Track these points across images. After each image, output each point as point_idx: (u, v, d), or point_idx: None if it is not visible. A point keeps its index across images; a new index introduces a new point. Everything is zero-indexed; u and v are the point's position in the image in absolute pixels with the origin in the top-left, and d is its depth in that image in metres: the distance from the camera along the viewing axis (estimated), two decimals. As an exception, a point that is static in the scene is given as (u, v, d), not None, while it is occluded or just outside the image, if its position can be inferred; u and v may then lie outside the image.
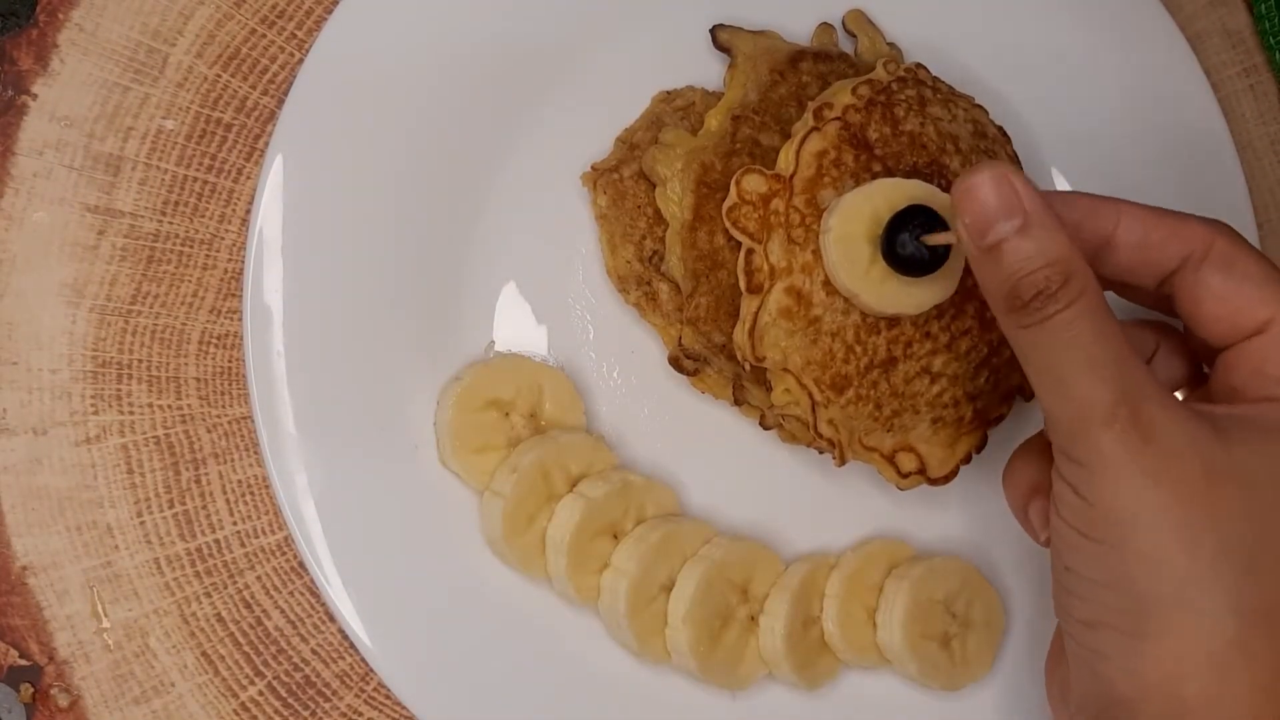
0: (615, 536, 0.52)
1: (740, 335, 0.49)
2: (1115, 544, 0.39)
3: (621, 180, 0.52)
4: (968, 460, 0.52)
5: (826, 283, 0.47)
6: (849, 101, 0.48)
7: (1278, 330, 0.42)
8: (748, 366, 0.49)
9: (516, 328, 0.53)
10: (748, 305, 0.48)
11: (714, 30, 0.54)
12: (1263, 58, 0.60)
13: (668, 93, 0.54)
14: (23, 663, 0.52)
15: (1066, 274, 0.39)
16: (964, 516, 0.56)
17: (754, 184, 0.48)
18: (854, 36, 0.55)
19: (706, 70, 0.54)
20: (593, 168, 0.53)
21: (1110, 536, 0.39)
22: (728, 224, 0.48)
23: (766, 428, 0.53)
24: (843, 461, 0.50)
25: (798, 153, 0.48)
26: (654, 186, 0.52)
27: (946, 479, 0.52)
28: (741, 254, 0.48)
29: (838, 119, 0.48)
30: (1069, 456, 0.40)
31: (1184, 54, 0.57)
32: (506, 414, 0.52)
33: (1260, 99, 0.60)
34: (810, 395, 0.48)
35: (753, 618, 0.53)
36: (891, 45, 0.55)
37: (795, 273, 0.47)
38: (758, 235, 0.48)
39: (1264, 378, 0.42)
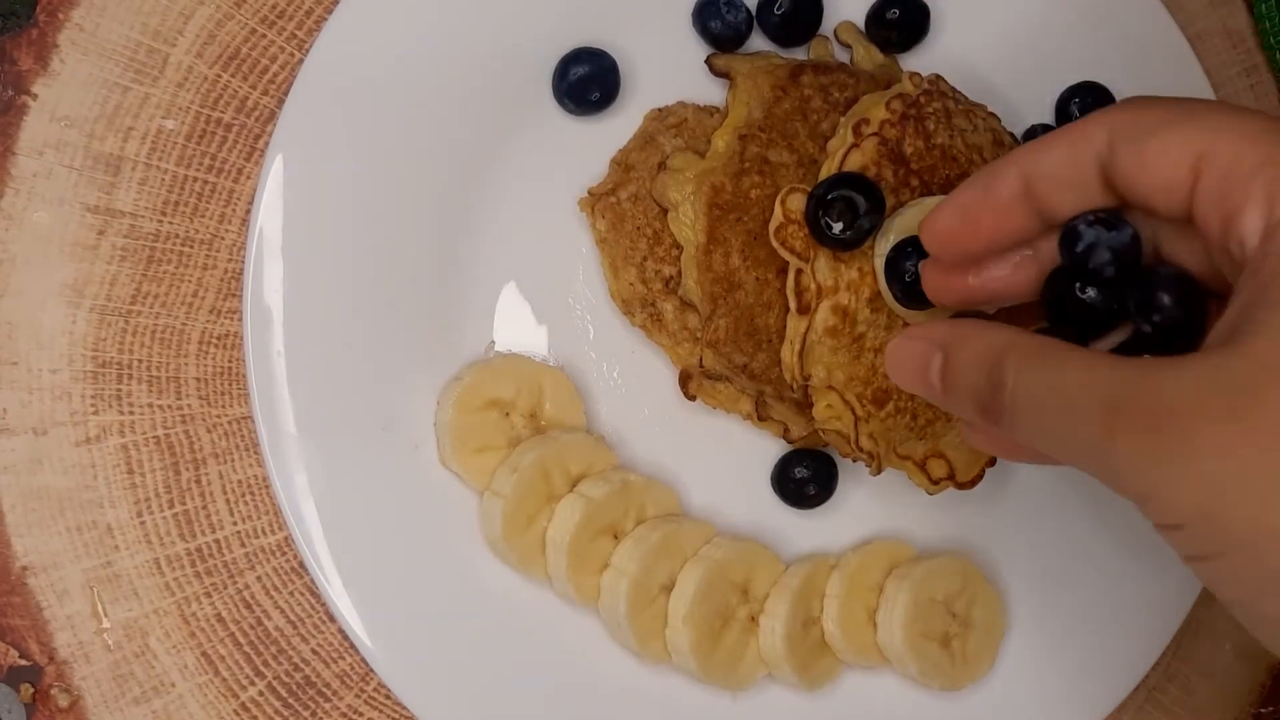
0: (615, 536, 0.52)
1: (789, 356, 0.49)
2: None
3: (619, 203, 0.52)
4: (993, 463, 0.53)
5: (870, 299, 0.47)
6: (884, 116, 0.48)
7: (1212, 160, 0.35)
8: (795, 386, 0.49)
9: (517, 328, 0.53)
10: (795, 326, 0.48)
11: (709, 59, 0.53)
12: (1263, 58, 0.60)
13: (659, 110, 0.53)
14: (23, 663, 0.52)
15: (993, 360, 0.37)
16: (964, 516, 0.56)
17: (798, 203, 0.48)
18: (848, 47, 0.54)
19: (698, 86, 0.54)
20: (590, 192, 0.53)
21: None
22: (775, 244, 0.48)
23: (791, 442, 0.53)
24: (879, 471, 0.50)
25: (839, 169, 0.48)
26: (659, 209, 0.52)
27: (973, 482, 0.52)
28: (790, 275, 0.48)
29: (875, 134, 0.48)
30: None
31: (1184, 54, 0.57)
32: (507, 414, 0.52)
33: (1260, 99, 0.60)
34: (853, 410, 0.48)
35: (753, 618, 0.53)
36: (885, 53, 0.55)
37: (841, 290, 0.47)
38: (804, 253, 0.48)
39: (1233, 215, 0.35)
